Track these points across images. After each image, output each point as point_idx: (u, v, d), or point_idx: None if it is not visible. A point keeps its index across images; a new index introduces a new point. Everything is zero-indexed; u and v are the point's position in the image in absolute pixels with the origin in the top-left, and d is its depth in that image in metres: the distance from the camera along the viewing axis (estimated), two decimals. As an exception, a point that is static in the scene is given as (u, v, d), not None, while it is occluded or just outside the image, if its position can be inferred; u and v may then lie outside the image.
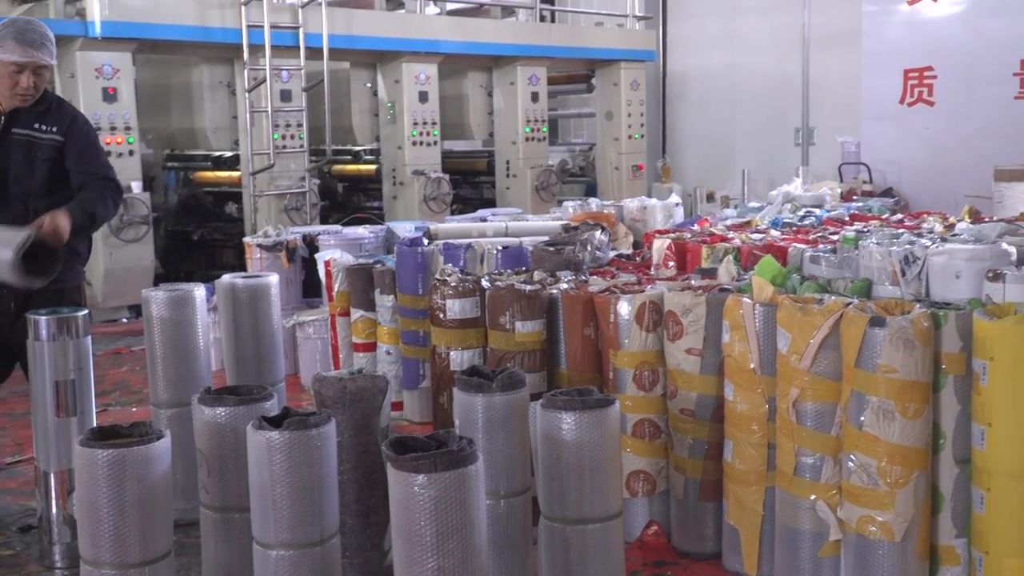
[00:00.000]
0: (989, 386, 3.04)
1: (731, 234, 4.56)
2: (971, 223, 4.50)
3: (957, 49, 9.10)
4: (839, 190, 7.46)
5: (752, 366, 3.44)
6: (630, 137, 11.83)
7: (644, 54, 11.97)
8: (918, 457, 3.10)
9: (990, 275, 3.23)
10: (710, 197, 12.95)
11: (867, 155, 9.79)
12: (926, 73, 9.41)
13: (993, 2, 8.86)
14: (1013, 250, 3.44)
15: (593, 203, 6.48)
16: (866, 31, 9.67)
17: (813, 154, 13.66)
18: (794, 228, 4.71)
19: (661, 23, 14.66)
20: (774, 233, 4.52)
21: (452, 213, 9.76)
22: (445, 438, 2.67)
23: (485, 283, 4.19)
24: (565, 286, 4.06)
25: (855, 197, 7.96)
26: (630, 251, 5.03)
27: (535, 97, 11.05)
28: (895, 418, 3.07)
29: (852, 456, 3.13)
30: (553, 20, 13.51)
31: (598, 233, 4.71)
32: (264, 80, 8.95)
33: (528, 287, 3.99)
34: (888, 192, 9.39)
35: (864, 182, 9.62)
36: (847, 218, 5.03)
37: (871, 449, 3.11)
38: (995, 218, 4.85)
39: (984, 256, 3.34)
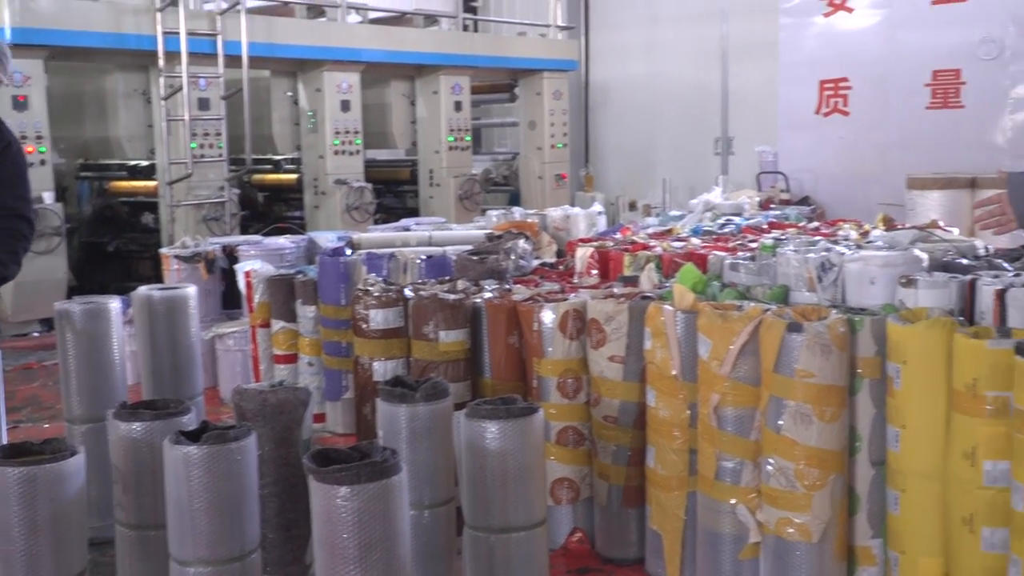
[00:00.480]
0: (903, 389, 3.11)
1: (653, 242, 4.61)
2: (885, 230, 4.61)
3: (871, 60, 9.30)
4: (757, 199, 7.58)
5: (674, 372, 3.48)
6: (553, 147, 11.89)
7: (566, 64, 12.05)
8: (835, 460, 3.16)
9: (903, 281, 3.31)
10: (632, 206, 13.08)
11: (784, 164, 9.95)
12: (841, 84, 9.58)
13: (906, 15, 9.07)
14: (925, 256, 3.52)
15: (517, 212, 6.50)
16: (783, 43, 9.84)
17: (733, 163, 13.87)
18: (714, 236, 4.77)
19: (583, 33, 14.78)
20: (695, 241, 4.58)
21: (375, 223, 9.69)
22: (368, 449, 2.64)
23: (408, 293, 4.17)
24: (489, 295, 4.06)
25: (772, 206, 8.09)
26: (554, 260, 5.05)
27: (458, 106, 11.05)
28: (812, 422, 3.13)
29: (771, 460, 3.18)
30: (476, 30, 13.53)
31: (522, 242, 4.72)
32: (181, 88, 8.80)
33: (452, 296, 3.98)
34: (805, 200, 9.55)
35: (782, 191, 9.78)
36: (766, 226, 5.11)
37: (789, 452, 3.16)
38: (907, 225, 4.98)
39: (897, 262, 3.42)
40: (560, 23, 12.46)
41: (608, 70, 14.83)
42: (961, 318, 3.15)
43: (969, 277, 3.27)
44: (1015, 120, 8.45)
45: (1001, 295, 3.08)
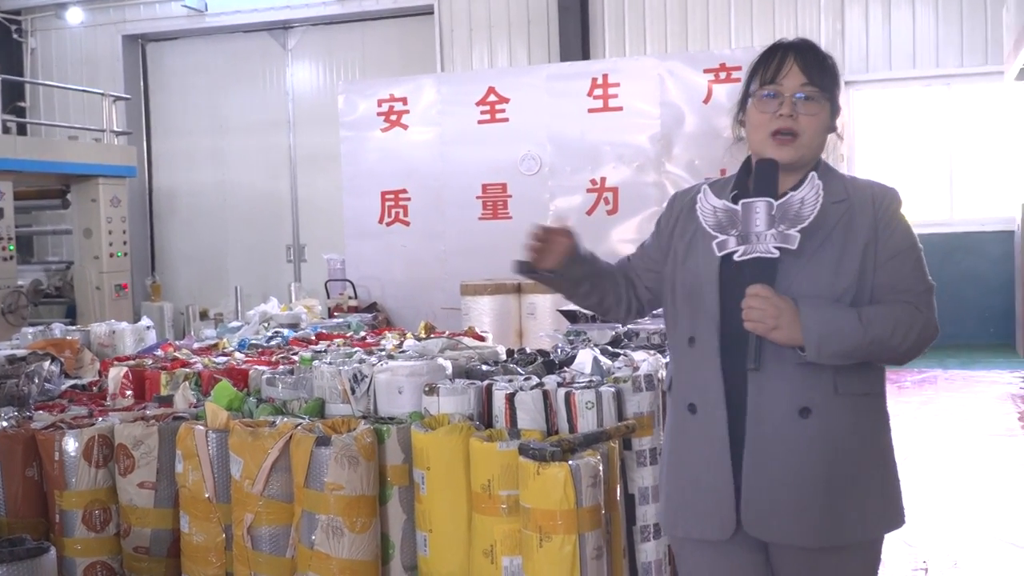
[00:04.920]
0: (428, 494, 3.22)
1: (194, 358, 4.47)
2: (424, 337, 4.81)
3: (428, 174, 9.83)
4: (318, 306, 7.65)
5: (207, 495, 3.37)
6: (112, 255, 11.30)
7: (124, 170, 11.56)
8: (367, 570, 3.19)
9: (426, 389, 3.45)
10: (204, 315, 12.73)
11: (352, 272, 10.18)
12: (401, 195, 10.02)
13: (456, 133, 9.71)
14: (449, 364, 3.71)
15: (57, 328, 6.04)
16: (344, 155, 10.14)
17: (305, 270, 14.03)
18: (259, 350, 4.73)
19: (145, 138, 14.36)
20: (238, 356, 4.50)
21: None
22: None
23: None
24: (4, 424, 3.70)
25: (337, 314, 8.21)
26: (89, 380, 4.74)
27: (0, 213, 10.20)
28: (344, 534, 3.15)
29: (306, 576, 3.15)
30: (24, 132, 12.66)
31: (47, 363, 4.38)
32: None
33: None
34: (373, 307, 9.82)
35: (350, 297, 9.98)
36: (313, 337, 5.15)
37: (323, 567, 3.15)
38: (447, 333, 5.22)
39: (422, 371, 3.56)
40: (117, 128, 11.98)
41: (174, 176, 14.50)
42: (478, 423, 3.33)
43: (486, 382, 3.48)
44: (555, 230, 9.28)
45: (511, 398, 3.31)
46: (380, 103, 9.90)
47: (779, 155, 2.21)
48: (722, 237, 2.18)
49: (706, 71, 8.75)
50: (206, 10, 13.81)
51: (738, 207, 2.17)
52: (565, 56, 12.06)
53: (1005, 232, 10.66)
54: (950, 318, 10.84)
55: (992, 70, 10.62)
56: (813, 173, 2.20)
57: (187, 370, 4.14)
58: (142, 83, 14.56)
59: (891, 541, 2.39)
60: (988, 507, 5.10)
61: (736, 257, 2.16)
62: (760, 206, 2.15)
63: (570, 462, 2.90)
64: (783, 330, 2.12)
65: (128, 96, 13.29)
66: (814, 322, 2.12)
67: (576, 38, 12.18)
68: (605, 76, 9.17)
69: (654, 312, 2.57)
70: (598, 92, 9.13)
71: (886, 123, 11.49)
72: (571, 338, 4.61)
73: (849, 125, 11.52)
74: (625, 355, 3.86)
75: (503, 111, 9.53)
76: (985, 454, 6.13)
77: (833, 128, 2.30)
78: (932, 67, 11.14)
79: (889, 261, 2.22)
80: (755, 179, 2.23)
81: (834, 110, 2.29)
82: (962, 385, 8.60)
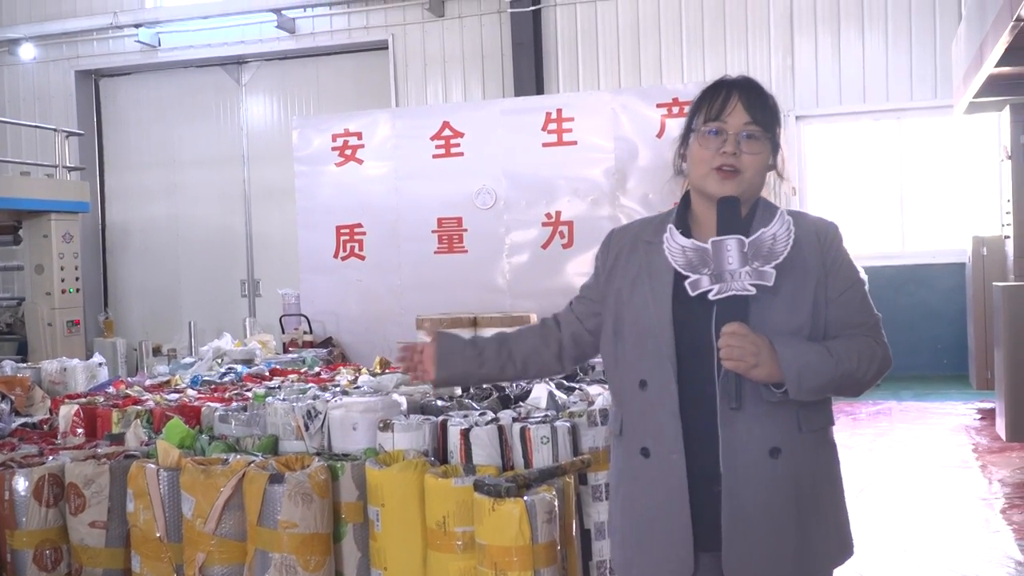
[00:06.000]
0: (383, 531, 3.21)
1: (147, 395, 4.42)
2: (379, 373, 4.80)
3: (383, 208, 9.80)
4: (273, 342, 7.59)
5: (158, 534, 3.33)
6: (64, 291, 11.14)
7: (77, 205, 11.43)
8: (322, 609, 3.16)
9: (381, 425, 3.44)
10: (157, 351, 12.57)
11: (307, 306, 10.10)
12: (356, 230, 9.98)
13: (411, 167, 9.71)
14: (404, 400, 3.70)
15: (7, 365, 5.95)
16: (299, 189, 10.08)
17: (260, 305, 13.93)
18: (213, 386, 4.68)
19: (99, 174, 14.23)
20: (191, 392, 4.46)
21: None
22: None
23: None
24: (-50, 465, 3.64)
25: (291, 349, 8.15)
26: (41, 418, 4.66)
27: (-52, 250, 10.05)
28: (298, 572, 3.12)
29: (258, 617, 3.11)
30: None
31: (-4, 402, 4.31)
32: None
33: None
34: (328, 342, 9.74)
35: (305, 332, 9.90)
36: (267, 373, 5.11)
37: (277, 607, 3.12)
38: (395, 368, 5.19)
39: (377, 408, 3.55)
40: (69, 163, 11.87)
41: (128, 211, 14.37)
42: (434, 459, 3.32)
43: (441, 418, 3.48)
44: (512, 263, 9.29)
45: (466, 434, 3.31)
46: (335, 138, 9.90)
47: (722, 189, 2.22)
48: (694, 276, 2.16)
49: (659, 105, 8.85)
50: (159, 45, 13.76)
51: (708, 245, 2.16)
52: (519, 91, 12.14)
53: (956, 264, 10.84)
54: (904, 350, 11.07)
55: (942, 104, 10.82)
56: (783, 210, 2.23)
57: (139, 407, 4.10)
58: (95, 118, 14.44)
59: (846, 573, 2.41)
60: (941, 539, 5.15)
61: (711, 296, 2.14)
62: (732, 244, 2.14)
63: (525, 498, 2.91)
64: (763, 367, 2.12)
65: (81, 132, 13.17)
66: (792, 358, 2.14)
67: (530, 73, 12.28)
68: (559, 110, 9.24)
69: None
70: (552, 126, 9.20)
71: (837, 157, 11.67)
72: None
73: (800, 159, 11.70)
74: (580, 389, 3.88)
75: (458, 145, 9.57)
76: (939, 486, 6.19)
77: (773, 166, 2.32)
78: (882, 101, 11.34)
79: (840, 296, 2.25)
80: (720, 217, 2.21)
81: (774, 148, 2.31)
82: (917, 417, 8.69)
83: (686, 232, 2.25)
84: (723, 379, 2.15)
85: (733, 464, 2.17)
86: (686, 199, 2.37)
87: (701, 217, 2.31)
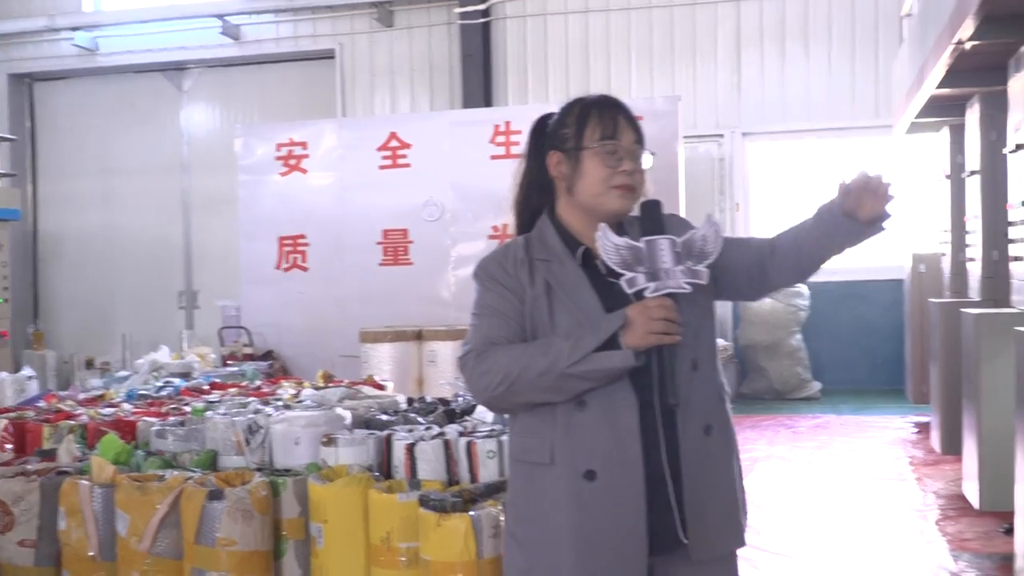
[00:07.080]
0: (325, 548, 3.13)
1: (80, 409, 4.28)
2: (323, 387, 4.70)
3: (327, 219, 9.68)
4: (212, 355, 7.44)
5: (91, 553, 3.22)
6: (-8, 302, 10.86)
7: (7, 212, 11.14)
8: (262, 630, 3.07)
9: (324, 440, 3.36)
10: (89, 364, 12.30)
11: (248, 319, 9.92)
12: (300, 240, 9.85)
13: (356, 178, 9.62)
14: (348, 414, 3.62)
15: (-69, 379, 5.75)
16: (241, 199, 9.93)
17: (199, 317, 13.68)
18: (149, 400, 4.55)
19: (31, 180, 13.90)
20: (126, 407, 4.33)
21: None
22: None
23: None
24: None
25: (230, 363, 8.00)
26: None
27: None
28: (237, 592, 3.02)
29: (194, 639, 3.01)
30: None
31: (-79, 415, 4.15)
32: None
33: None
34: (269, 355, 9.58)
35: (245, 345, 9.73)
36: (207, 386, 4.99)
37: (215, 628, 3.02)
38: (345, 381, 5.10)
39: (320, 422, 3.47)
40: (0, 170, 11.59)
41: (61, 220, 14.03)
42: (378, 474, 3.25)
43: (386, 432, 3.40)
44: (458, 276, 9.21)
45: (411, 448, 3.24)
46: (279, 147, 9.77)
47: (621, 205, 2.28)
48: (630, 274, 2.15)
49: (606, 120, 8.89)
50: (98, 49, 13.49)
51: (642, 244, 2.16)
52: (468, 103, 12.10)
53: (895, 281, 10.98)
54: (843, 364, 11.22)
55: (883, 123, 10.99)
56: (710, 213, 2.28)
57: (71, 422, 3.97)
58: (29, 123, 14.10)
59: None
60: (877, 550, 5.19)
61: (648, 293, 2.13)
62: (664, 243, 2.16)
63: (471, 512, 2.85)
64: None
65: (14, 137, 12.86)
66: None
67: (479, 85, 12.24)
68: (508, 123, 9.21)
69: None
70: (500, 139, 9.17)
71: (781, 173, 11.79)
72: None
73: (744, 175, 11.81)
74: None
75: (405, 156, 9.49)
76: (876, 498, 6.24)
77: None
78: (826, 119, 11.50)
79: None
80: (644, 220, 2.25)
81: None
82: (855, 430, 8.78)
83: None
84: (661, 378, 2.14)
85: (684, 458, 2.19)
86: (552, 219, 2.35)
87: (580, 236, 2.31)
